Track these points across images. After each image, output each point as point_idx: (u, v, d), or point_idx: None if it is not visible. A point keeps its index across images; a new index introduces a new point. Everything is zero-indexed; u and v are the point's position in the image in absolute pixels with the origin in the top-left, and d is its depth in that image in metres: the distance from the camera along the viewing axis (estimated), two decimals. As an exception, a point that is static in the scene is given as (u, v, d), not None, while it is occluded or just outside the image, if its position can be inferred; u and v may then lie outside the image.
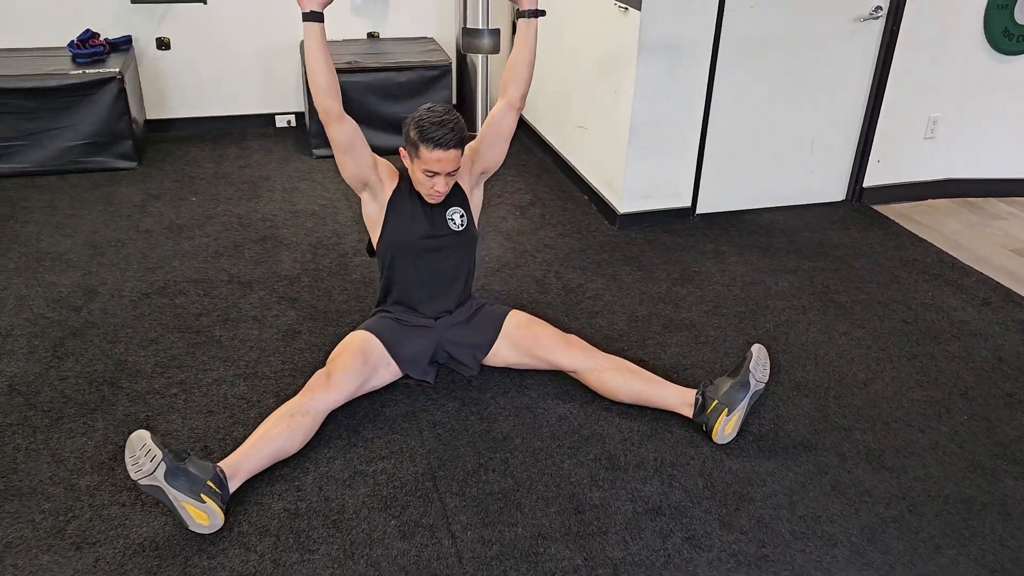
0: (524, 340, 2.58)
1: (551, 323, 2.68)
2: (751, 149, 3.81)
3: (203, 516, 1.98)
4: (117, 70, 4.04)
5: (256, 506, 2.09)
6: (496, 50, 4.69)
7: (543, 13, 2.51)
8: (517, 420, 2.45)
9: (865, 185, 4.06)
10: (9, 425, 2.35)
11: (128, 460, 1.95)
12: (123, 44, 4.44)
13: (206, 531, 1.99)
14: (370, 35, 4.91)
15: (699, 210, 3.87)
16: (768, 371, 2.40)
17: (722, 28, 3.47)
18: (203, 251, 3.41)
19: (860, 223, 3.86)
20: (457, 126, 2.35)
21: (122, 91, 4.05)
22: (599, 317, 3.01)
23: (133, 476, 1.94)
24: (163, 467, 1.94)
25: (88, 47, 4.24)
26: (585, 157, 4.11)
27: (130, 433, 2.12)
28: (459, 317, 2.63)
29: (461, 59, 4.83)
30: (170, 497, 1.95)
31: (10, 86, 3.90)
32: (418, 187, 2.46)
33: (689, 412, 2.42)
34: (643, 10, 3.34)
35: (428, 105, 2.40)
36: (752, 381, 2.35)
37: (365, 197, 2.55)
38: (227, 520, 2.03)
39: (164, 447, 1.97)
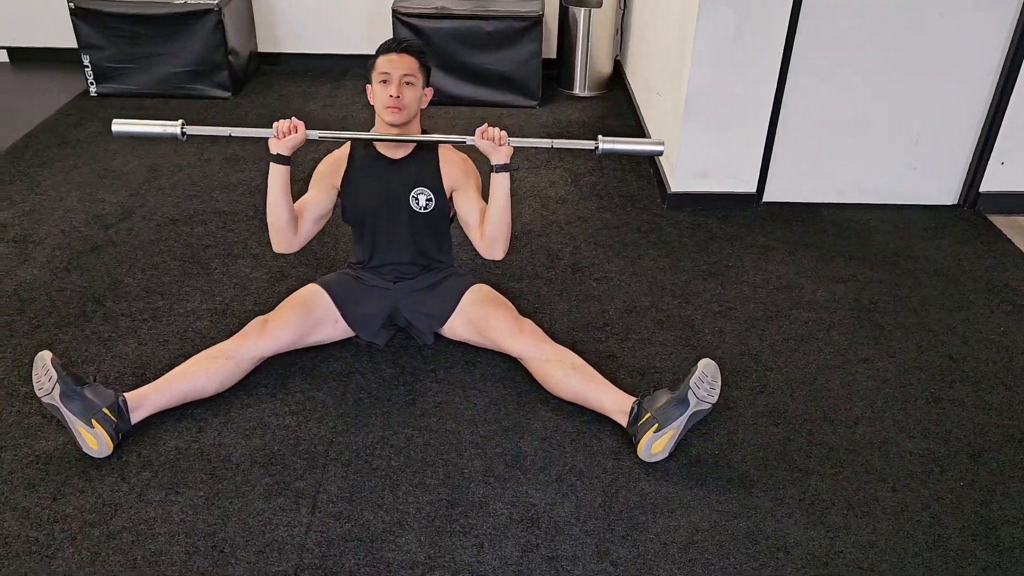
0: (476, 318, 2.45)
1: (522, 302, 2.52)
2: (837, 134, 3.34)
3: (93, 440, 2.06)
4: (216, 2, 4.22)
5: (152, 440, 2.15)
6: (599, 3, 4.44)
7: (514, 168, 2.33)
8: (445, 398, 2.34)
9: (982, 190, 3.45)
10: (-5, 326, 2.58)
11: (33, 378, 2.07)
12: (238, -23, 4.63)
13: (95, 455, 2.08)
14: (478, -20, 4.78)
15: (766, 198, 3.47)
16: (717, 391, 2.11)
17: (802, 2, 3.03)
18: (245, 185, 3.52)
19: (962, 234, 3.30)
20: (414, 43, 2.39)
21: (219, 23, 4.23)
22: (592, 302, 2.79)
23: (37, 393, 2.06)
24: (58, 388, 2.04)
25: (203, -22, 4.45)
26: (656, 126, 3.80)
27: (89, 349, 2.24)
28: (421, 284, 2.53)
29: (564, 11, 4.60)
30: (65, 417, 2.05)
31: (121, 11, 4.19)
32: (380, 111, 2.34)
33: (624, 421, 2.20)
34: (701, 8, 2.98)
35: None
36: (692, 399, 2.09)
37: (325, 200, 2.48)
38: (119, 448, 2.10)
39: (64, 370, 2.07)
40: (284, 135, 2.30)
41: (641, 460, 2.13)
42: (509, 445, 2.18)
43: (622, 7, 4.69)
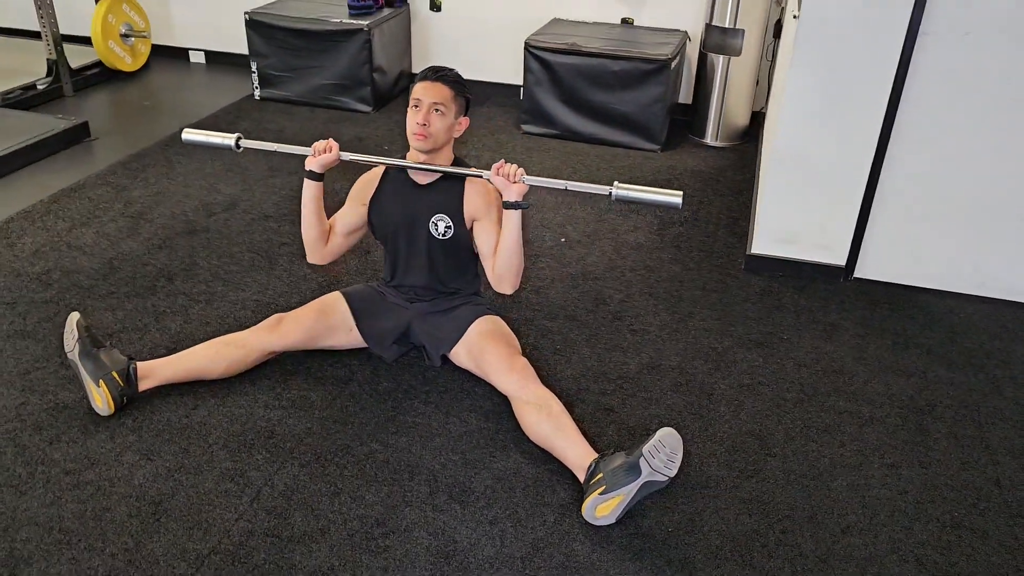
0: (475, 350, 2.46)
1: (546, 342, 2.50)
2: (949, 213, 2.99)
3: (98, 399, 2.30)
4: (366, 24, 4.53)
5: (151, 408, 2.36)
6: (737, 52, 4.30)
7: (526, 206, 2.32)
8: (423, 420, 2.37)
9: None
10: (80, 286, 2.93)
11: (64, 335, 2.35)
12: (399, 2, 4.95)
13: (99, 412, 2.31)
14: (624, 21, 4.78)
15: (858, 273, 3.17)
16: (676, 465, 1.98)
17: (912, 55, 2.76)
18: (343, 194, 3.73)
19: (1088, 346, 2.84)
20: (454, 74, 2.42)
21: (367, 42, 4.54)
22: (618, 352, 2.70)
23: (65, 348, 2.34)
24: (78, 347, 2.30)
25: (365, 0, 4.80)
26: (761, 184, 3.60)
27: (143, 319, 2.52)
28: (436, 307, 2.58)
29: (702, 57, 4.48)
30: (80, 373, 2.30)
31: (286, 25, 4.62)
32: (408, 136, 2.41)
33: (581, 476, 2.11)
34: (801, 19, 2.81)
35: None
36: (644, 467, 1.97)
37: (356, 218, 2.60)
38: (121, 410, 2.33)
39: (86, 332, 2.32)
40: (320, 153, 2.44)
41: (585, 520, 2.04)
42: (461, 478, 2.17)
43: (768, 58, 4.50)
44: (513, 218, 2.34)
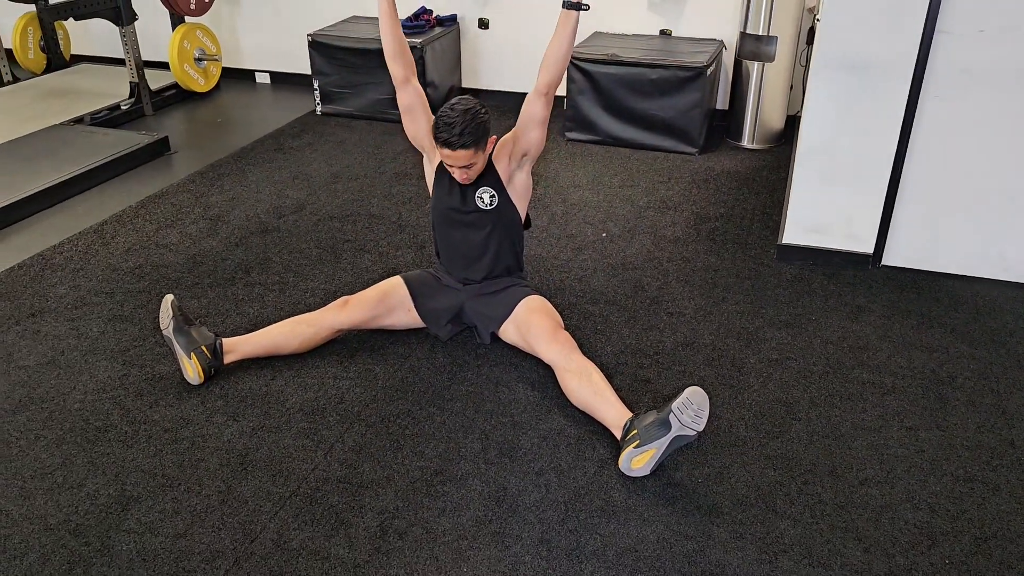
0: (523, 324, 2.70)
1: (589, 323, 2.74)
2: (975, 201, 3.14)
3: (190, 369, 2.60)
4: (419, 41, 4.85)
5: (236, 379, 2.65)
6: (771, 58, 4.50)
7: (586, 7, 2.53)
8: (476, 389, 2.61)
9: None
10: (168, 278, 3.26)
11: (160, 315, 2.66)
12: (449, 21, 5.27)
13: (190, 381, 2.62)
14: (662, 32, 5.02)
15: (886, 261, 3.34)
16: (703, 420, 2.19)
17: (931, 52, 2.94)
18: (400, 195, 4.04)
19: (1109, 325, 2.96)
20: (467, 128, 2.49)
21: (420, 59, 4.85)
22: (655, 332, 2.92)
23: (160, 326, 2.65)
24: (172, 324, 2.61)
25: (417, 20, 5.13)
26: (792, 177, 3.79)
27: (224, 306, 2.83)
28: (486, 289, 2.83)
29: (738, 64, 4.69)
30: (174, 348, 2.61)
31: (346, 45, 4.97)
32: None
33: (618, 434, 2.34)
34: (822, 21, 3.02)
35: (456, 100, 2.58)
36: (674, 422, 2.18)
37: (424, 160, 2.87)
38: (210, 380, 2.63)
39: (180, 311, 2.63)
40: None
41: (621, 472, 2.26)
42: (510, 437, 2.41)
43: (802, 63, 4.68)
44: (571, 19, 2.54)
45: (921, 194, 3.19)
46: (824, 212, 3.32)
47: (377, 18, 2.85)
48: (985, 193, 3.13)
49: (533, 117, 2.66)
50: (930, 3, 2.87)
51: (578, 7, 2.53)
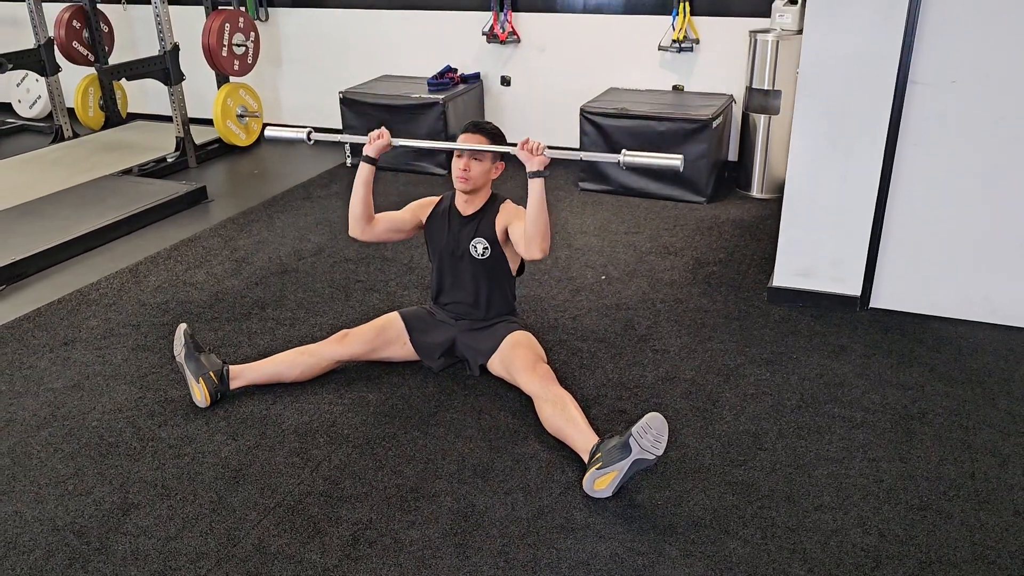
0: (507, 358, 2.87)
1: (576, 358, 2.90)
2: (958, 245, 3.23)
3: (198, 393, 2.83)
4: (441, 98, 5.16)
5: (239, 403, 2.86)
6: (776, 111, 4.66)
7: (546, 174, 2.69)
8: (460, 416, 2.77)
9: None
10: (190, 313, 3.52)
11: (174, 342, 2.91)
12: (473, 79, 5.58)
13: (198, 404, 2.84)
14: (674, 87, 5.23)
15: (874, 303, 3.42)
16: (662, 444, 2.31)
17: (905, 101, 3.08)
18: (412, 240, 4.26)
19: (1093, 367, 2.99)
20: (487, 124, 2.88)
21: (442, 114, 5.16)
22: (637, 367, 3.05)
23: (174, 352, 2.89)
24: (184, 351, 2.84)
25: (442, 78, 5.45)
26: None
27: (238, 338, 3.06)
28: (477, 324, 3.01)
29: (745, 117, 4.86)
30: (185, 372, 2.84)
31: (373, 101, 5.30)
32: (453, 179, 2.89)
33: (586, 458, 2.47)
34: (800, 72, 3.19)
35: None
36: (634, 446, 2.31)
37: (421, 236, 3.09)
38: (216, 403, 2.84)
39: (191, 339, 2.87)
40: (374, 140, 2.90)
41: (585, 493, 2.38)
42: (485, 459, 2.56)
43: (809, 116, 4.82)
44: (536, 185, 2.69)
45: (905, 238, 3.29)
46: (811, 255, 3.43)
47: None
48: (968, 237, 3.21)
49: (515, 243, 2.84)
50: (901, 56, 3.01)
51: (538, 175, 2.69)
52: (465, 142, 2.85)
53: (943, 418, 2.72)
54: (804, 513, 2.30)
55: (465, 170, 2.84)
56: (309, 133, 3.05)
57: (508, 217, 2.90)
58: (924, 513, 2.29)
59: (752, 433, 2.66)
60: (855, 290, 3.42)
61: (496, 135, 2.90)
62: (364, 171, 2.91)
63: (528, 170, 2.71)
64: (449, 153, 3.71)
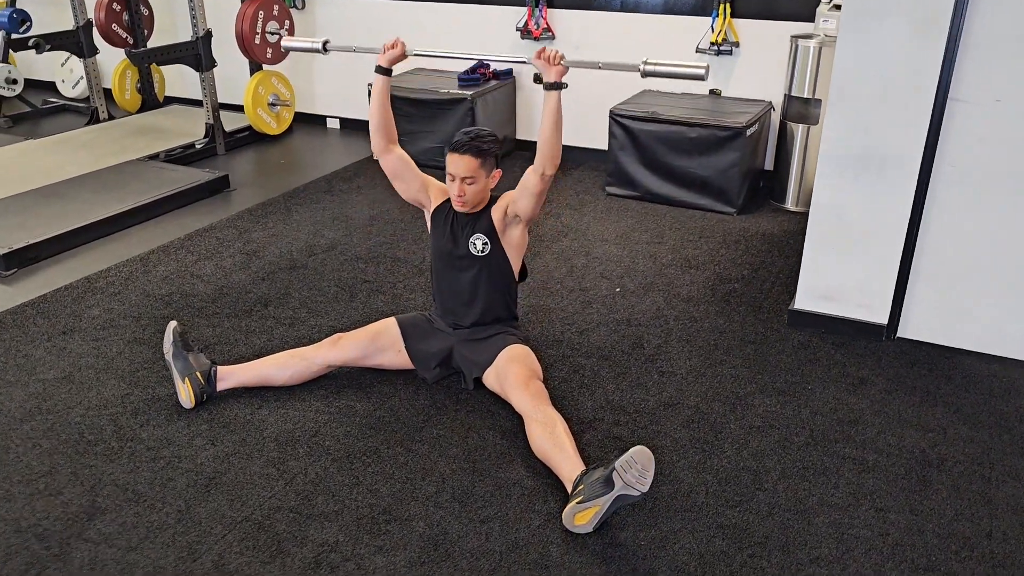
0: (501, 372, 2.75)
1: (577, 376, 2.77)
2: (998, 275, 2.99)
3: (183, 393, 2.76)
4: (470, 94, 5.03)
5: (225, 405, 2.79)
6: (815, 121, 4.45)
7: (564, 86, 2.59)
8: (447, 433, 2.66)
9: None
10: (192, 307, 3.47)
11: (163, 340, 2.85)
12: (505, 75, 5.44)
13: (183, 404, 2.77)
14: (712, 92, 5.02)
15: (902, 333, 3.21)
16: (648, 480, 2.17)
17: (943, 120, 2.86)
18: (426, 241, 4.13)
19: None
20: (475, 140, 2.68)
21: (470, 110, 5.03)
22: (640, 390, 2.90)
23: (163, 350, 2.84)
24: (172, 349, 2.78)
25: (473, 74, 5.32)
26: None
27: (234, 336, 3.00)
28: (474, 335, 2.90)
29: (782, 126, 4.64)
30: (172, 371, 2.78)
31: (402, 95, 5.19)
32: (452, 202, 2.80)
33: (569, 488, 2.33)
34: (832, 84, 2.98)
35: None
36: (618, 481, 2.17)
37: (424, 214, 2.99)
38: (202, 405, 2.78)
39: (180, 337, 2.81)
40: (388, 49, 2.83)
41: (565, 527, 2.25)
42: (466, 483, 2.44)
43: (852, 127, 4.58)
44: (553, 98, 2.60)
45: (938, 265, 3.07)
46: (836, 279, 3.23)
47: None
48: (1008, 266, 2.98)
49: (527, 188, 2.73)
50: (942, 71, 2.80)
51: (556, 87, 2.59)
52: (454, 166, 2.71)
53: (963, 466, 2.51)
54: (799, 565, 2.14)
55: (461, 195, 2.74)
56: (325, 43, 3.03)
57: (504, 201, 2.80)
58: (930, 574, 2.11)
59: (752, 470, 2.50)
60: (882, 318, 3.21)
61: (483, 150, 2.71)
62: (379, 83, 2.86)
63: (544, 80, 2.60)
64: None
